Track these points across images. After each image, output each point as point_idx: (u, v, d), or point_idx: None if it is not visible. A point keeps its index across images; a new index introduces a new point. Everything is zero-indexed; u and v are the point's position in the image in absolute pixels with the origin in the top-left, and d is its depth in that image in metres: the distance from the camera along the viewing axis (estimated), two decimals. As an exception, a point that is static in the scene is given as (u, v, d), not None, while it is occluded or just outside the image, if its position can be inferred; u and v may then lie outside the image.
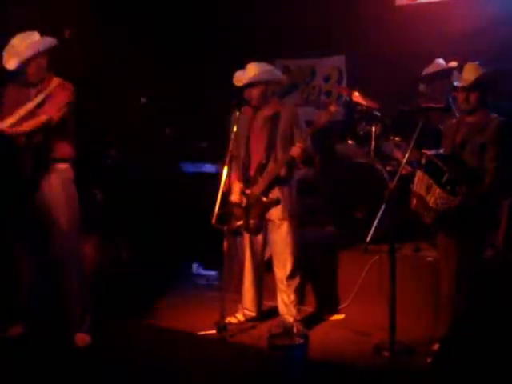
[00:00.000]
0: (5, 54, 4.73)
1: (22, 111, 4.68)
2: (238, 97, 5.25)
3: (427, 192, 4.46)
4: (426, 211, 4.47)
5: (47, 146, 4.77)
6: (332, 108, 4.97)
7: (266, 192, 5.20)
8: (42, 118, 4.66)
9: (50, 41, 4.84)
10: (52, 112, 4.69)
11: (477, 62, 4.57)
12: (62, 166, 4.86)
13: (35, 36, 4.80)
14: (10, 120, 4.63)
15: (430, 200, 4.40)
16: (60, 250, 4.84)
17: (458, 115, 4.97)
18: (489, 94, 4.56)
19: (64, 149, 4.86)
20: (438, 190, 4.35)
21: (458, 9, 6.89)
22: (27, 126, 4.63)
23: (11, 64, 4.69)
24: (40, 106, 4.72)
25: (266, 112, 5.24)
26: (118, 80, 7.07)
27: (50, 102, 4.73)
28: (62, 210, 4.81)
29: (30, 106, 4.71)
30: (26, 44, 4.70)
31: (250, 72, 5.15)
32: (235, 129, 5.10)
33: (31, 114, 4.68)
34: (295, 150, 4.99)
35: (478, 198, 4.29)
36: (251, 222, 5.23)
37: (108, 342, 4.99)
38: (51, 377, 4.39)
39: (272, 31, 8.09)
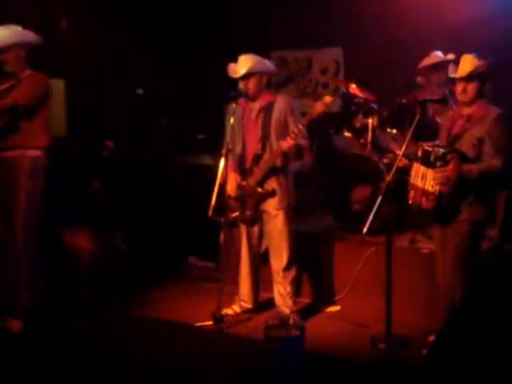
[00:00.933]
0: None
1: None
2: (234, 88, 5.25)
3: (422, 180, 4.46)
4: (424, 196, 4.45)
5: (16, 133, 4.81)
6: (327, 98, 4.96)
7: (261, 183, 5.20)
8: (5, 101, 4.74)
9: (32, 36, 4.92)
10: (18, 98, 4.76)
11: (473, 54, 4.55)
12: (33, 153, 4.90)
13: (18, 28, 4.90)
14: None
15: (426, 185, 4.40)
16: (12, 240, 4.89)
17: (455, 107, 4.97)
18: (487, 86, 4.54)
19: (35, 137, 4.90)
20: (428, 170, 4.35)
21: (456, 1, 6.88)
22: None
23: None
24: (7, 92, 4.79)
25: (261, 103, 5.25)
26: (114, 72, 7.06)
27: (17, 89, 4.81)
28: (22, 194, 4.86)
29: None
30: (8, 32, 4.81)
31: (243, 64, 5.14)
32: (231, 120, 5.10)
33: None
34: (285, 144, 5.00)
35: (469, 171, 4.27)
36: (247, 213, 5.24)
37: (104, 332, 4.99)
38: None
39: (269, 22, 8.08)
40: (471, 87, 4.49)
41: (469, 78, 4.48)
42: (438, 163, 4.30)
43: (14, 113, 4.77)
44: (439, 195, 4.35)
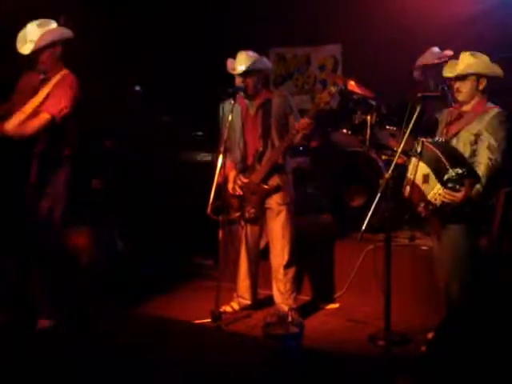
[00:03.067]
0: (20, 39, 4.71)
1: (27, 108, 4.64)
2: (231, 85, 5.25)
3: (424, 181, 4.41)
4: (423, 202, 4.40)
5: (51, 144, 4.75)
6: (332, 88, 4.98)
7: (265, 179, 5.20)
8: (44, 117, 4.63)
9: (66, 32, 4.84)
10: (54, 111, 4.65)
11: (470, 52, 4.52)
12: (58, 163, 4.85)
13: (52, 24, 4.80)
14: (14, 121, 4.60)
15: (429, 193, 4.32)
16: (38, 243, 4.86)
17: (453, 104, 4.96)
18: (485, 84, 4.51)
19: (63, 146, 4.85)
20: (438, 186, 4.26)
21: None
22: (30, 128, 4.62)
23: (25, 49, 4.67)
24: (44, 100, 4.69)
25: (259, 100, 5.27)
26: (113, 70, 7.05)
27: (52, 98, 4.69)
28: (45, 203, 4.82)
29: (34, 102, 4.67)
30: (42, 31, 4.70)
31: (242, 61, 5.14)
32: (230, 118, 5.09)
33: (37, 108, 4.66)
34: (302, 124, 4.97)
35: (477, 193, 4.25)
36: (251, 210, 5.24)
37: (104, 330, 5.00)
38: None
39: (267, 19, 8.07)
40: (465, 86, 4.47)
41: (461, 77, 4.47)
42: (450, 184, 4.24)
43: (51, 127, 4.69)
44: (438, 208, 4.31)
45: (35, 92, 4.74)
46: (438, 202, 4.28)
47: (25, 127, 4.60)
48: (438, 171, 4.29)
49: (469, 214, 4.34)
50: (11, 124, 4.59)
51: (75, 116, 4.86)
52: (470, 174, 4.25)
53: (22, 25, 4.85)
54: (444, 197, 4.22)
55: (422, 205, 4.41)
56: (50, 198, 4.84)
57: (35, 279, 4.93)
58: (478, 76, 4.44)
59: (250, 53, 5.21)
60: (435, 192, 4.28)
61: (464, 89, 4.48)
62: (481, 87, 4.46)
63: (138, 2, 7.67)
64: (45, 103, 4.67)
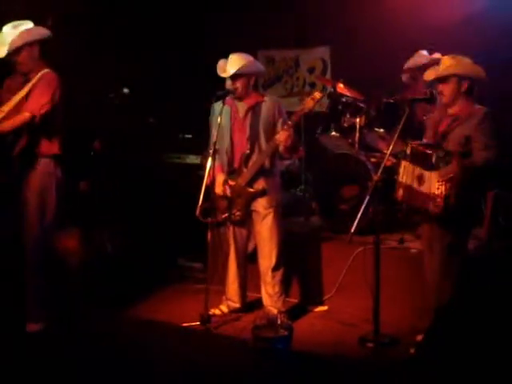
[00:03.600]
0: None
1: (5, 107, 4.65)
2: (220, 87, 5.24)
3: (420, 183, 4.41)
4: (431, 201, 4.34)
5: (33, 143, 4.74)
6: (317, 94, 4.98)
7: (251, 182, 5.19)
8: (23, 116, 4.64)
9: (42, 31, 4.83)
10: (35, 109, 4.66)
11: (451, 55, 4.55)
12: (44, 160, 4.83)
13: (28, 25, 4.78)
14: None
15: (431, 188, 4.31)
16: (27, 239, 4.84)
17: (441, 106, 4.97)
18: (471, 85, 4.52)
19: (48, 145, 4.83)
20: (431, 174, 4.30)
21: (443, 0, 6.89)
22: (8, 125, 4.63)
23: (1, 52, 4.67)
24: (25, 99, 4.68)
25: (248, 103, 5.24)
26: (101, 72, 7.03)
27: (33, 96, 4.70)
28: (34, 202, 4.80)
29: (13, 101, 4.68)
30: (17, 32, 4.69)
31: (233, 63, 5.13)
32: (219, 120, 5.08)
33: (17, 108, 4.66)
34: (282, 135, 4.99)
35: (471, 165, 4.26)
36: (237, 213, 5.22)
37: (92, 333, 4.98)
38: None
39: (257, 21, 8.06)
40: (447, 88, 4.50)
41: (442, 79, 4.49)
42: (441, 164, 4.25)
43: (33, 125, 4.69)
44: (446, 196, 4.26)
45: (16, 92, 4.73)
46: (442, 189, 4.24)
47: (3, 125, 4.61)
48: (426, 162, 4.33)
49: (459, 215, 4.35)
50: None
51: (60, 114, 4.87)
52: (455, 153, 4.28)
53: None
54: (442, 178, 4.22)
55: (431, 203, 4.34)
56: (40, 199, 4.82)
57: (25, 282, 4.90)
58: (459, 77, 4.47)
59: (242, 55, 5.20)
60: (434, 182, 4.28)
61: (446, 91, 4.51)
62: (463, 89, 4.48)
63: (126, 3, 7.64)
64: (27, 103, 4.67)
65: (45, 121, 4.72)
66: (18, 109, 4.66)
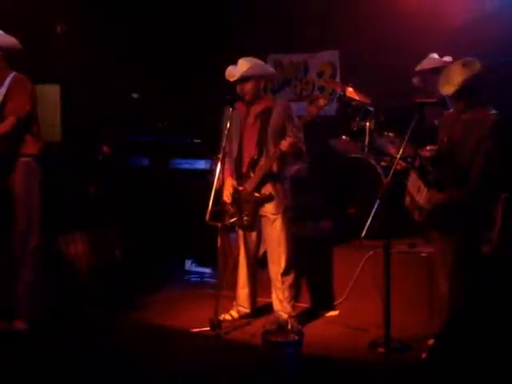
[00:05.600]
0: None
1: None
2: (230, 93, 5.22)
3: (418, 192, 4.47)
4: (416, 210, 4.47)
5: (14, 143, 4.85)
6: (321, 101, 4.96)
7: (258, 187, 5.17)
8: (10, 120, 4.79)
9: (11, 41, 4.92)
10: (18, 111, 4.81)
11: (462, 62, 4.51)
12: (25, 160, 4.91)
13: None
14: None
15: (420, 199, 4.41)
16: (14, 245, 4.92)
17: (452, 110, 4.94)
18: (482, 92, 4.49)
19: (28, 144, 4.92)
20: (425, 189, 4.36)
21: (453, 1, 6.85)
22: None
23: None
24: (2, 105, 4.77)
25: (258, 107, 5.22)
26: (110, 76, 7.04)
27: (13, 100, 4.82)
28: (20, 203, 4.90)
29: None
30: None
31: (241, 67, 5.12)
32: (228, 125, 5.07)
33: None
34: (284, 144, 4.97)
35: (465, 196, 4.25)
36: (245, 218, 5.21)
37: (102, 338, 4.98)
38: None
39: (265, 25, 8.06)
40: (461, 103, 4.48)
41: (456, 95, 4.46)
42: (434, 185, 4.28)
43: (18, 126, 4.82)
44: (430, 212, 4.35)
45: None
46: (428, 206, 4.30)
47: None
48: (425, 175, 4.37)
49: (468, 219, 4.33)
50: None
51: (36, 115, 4.99)
52: (454, 175, 4.25)
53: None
54: (430, 199, 4.23)
55: (417, 212, 4.46)
56: (23, 201, 4.89)
57: (15, 281, 4.96)
58: (472, 90, 4.44)
59: (250, 59, 5.19)
60: (424, 196, 4.34)
61: (461, 104, 4.49)
62: (478, 96, 4.45)
63: (136, 8, 7.65)
64: (7, 107, 4.79)
65: (25, 121, 4.86)
66: None
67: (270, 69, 5.44)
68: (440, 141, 4.62)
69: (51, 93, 6.40)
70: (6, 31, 4.93)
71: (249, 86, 5.14)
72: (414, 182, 4.55)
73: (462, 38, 6.39)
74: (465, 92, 4.43)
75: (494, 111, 4.46)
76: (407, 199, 4.63)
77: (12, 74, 4.88)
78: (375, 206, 4.39)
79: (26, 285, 4.95)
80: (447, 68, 4.61)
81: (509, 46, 6.26)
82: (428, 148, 4.53)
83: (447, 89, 4.50)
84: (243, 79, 5.12)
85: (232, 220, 5.25)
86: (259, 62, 5.23)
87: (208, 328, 5.00)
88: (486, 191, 4.37)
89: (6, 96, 4.80)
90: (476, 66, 4.46)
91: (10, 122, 4.79)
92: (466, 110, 4.49)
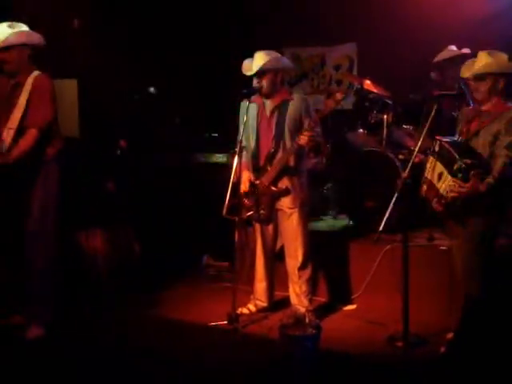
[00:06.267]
0: None
1: (13, 124, 4.67)
2: (247, 86, 5.21)
3: (439, 179, 4.40)
4: (436, 197, 4.40)
5: (35, 148, 4.75)
6: (338, 95, 4.93)
7: (275, 181, 5.16)
8: (31, 133, 4.68)
9: (38, 37, 4.83)
10: (39, 122, 4.71)
11: (488, 51, 4.46)
12: (47, 164, 4.85)
13: (23, 27, 4.80)
14: (7, 141, 4.66)
15: (441, 187, 4.33)
16: (32, 247, 4.85)
17: (471, 103, 4.90)
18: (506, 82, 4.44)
19: (49, 148, 4.85)
20: (449, 177, 4.27)
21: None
22: (24, 146, 4.66)
23: None
24: (25, 111, 4.69)
25: (275, 101, 5.20)
26: (127, 71, 7.05)
27: (35, 109, 4.71)
28: (37, 207, 4.82)
29: (17, 115, 4.68)
30: (11, 31, 4.69)
31: (258, 60, 5.10)
32: (245, 118, 5.06)
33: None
34: (302, 139, 4.95)
35: (487, 186, 4.20)
36: (261, 212, 5.20)
37: (120, 332, 5.00)
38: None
39: (282, 19, 8.04)
40: (483, 86, 4.42)
41: (479, 76, 4.41)
42: (459, 175, 4.20)
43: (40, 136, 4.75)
44: (450, 202, 4.29)
45: (9, 98, 4.74)
46: (449, 195, 4.25)
47: (19, 150, 4.65)
48: (449, 164, 4.29)
49: (485, 208, 4.29)
50: (7, 148, 4.65)
51: (56, 116, 4.89)
52: (480, 166, 4.20)
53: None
54: (453, 187, 4.19)
55: (435, 200, 4.40)
56: (40, 202, 4.83)
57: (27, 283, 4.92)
58: (496, 76, 4.38)
59: (267, 52, 5.14)
60: (446, 184, 4.27)
61: (482, 88, 4.41)
62: (499, 87, 4.39)
63: (153, 2, 7.65)
64: (29, 116, 4.69)
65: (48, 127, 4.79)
66: (23, 121, 4.70)
67: (287, 62, 5.40)
68: (459, 133, 4.58)
69: (69, 88, 6.42)
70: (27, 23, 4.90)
71: (266, 80, 5.11)
72: (432, 168, 4.50)
73: (480, 31, 6.34)
74: (487, 74, 4.37)
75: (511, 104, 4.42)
76: (423, 187, 4.57)
77: (34, 74, 4.77)
78: (393, 200, 4.37)
79: (37, 284, 4.89)
80: (471, 59, 4.55)
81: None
82: (447, 138, 4.49)
83: (473, 69, 4.44)
84: (260, 72, 5.10)
85: (249, 213, 5.24)
86: (277, 55, 5.20)
87: (226, 322, 5.01)
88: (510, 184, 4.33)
89: (28, 101, 4.70)
90: (501, 55, 4.43)
91: (31, 135, 4.67)
92: (485, 101, 4.45)
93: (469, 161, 4.19)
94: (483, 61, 4.41)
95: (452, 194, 4.23)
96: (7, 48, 4.68)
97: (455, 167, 4.21)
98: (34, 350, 4.70)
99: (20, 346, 4.75)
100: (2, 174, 4.67)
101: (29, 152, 4.69)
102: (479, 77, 4.40)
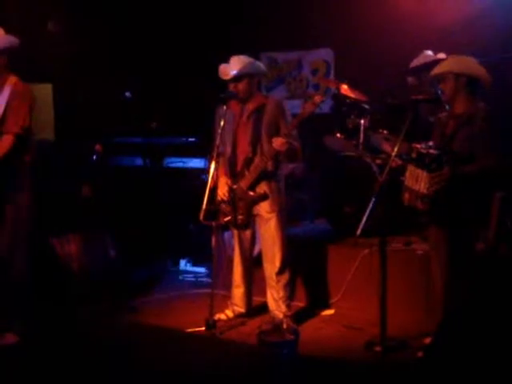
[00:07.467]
0: None
1: None
2: (223, 91, 5.19)
3: (416, 182, 4.43)
4: (419, 199, 4.42)
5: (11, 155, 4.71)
6: (317, 98, 4.92)
7: (252, 186, 5.15)
8: (8, 139, 4.65)
9: (12, 40, 4.79)
10: (17, 128, 4.67)
11: (453, 55, 4.56)
12: (17, 165, 4.78)
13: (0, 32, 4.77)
14: None
15: (421, 187, 4.37)
16: (3, 255, 4.79)
17: (447, 107, 4.93)
18: (472, 83, 4.49)
19: (23, 151, 4.78)
20: (425, 173, 4.33)
21: (445, 0, 6.85)
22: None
23: None
24: (2, 117, 4.66)
25: (251, 105, 5.20)
26: (102, 75, 7.01)
27: (13, 115, 4.68)
28: (8, 208, 4.77)
29: None
30: None
31: (234, 65, 5.10)
32: (222, 123, 5.04)
33: None
34: (277, 143, 4.94)
35: (468, 173, 4.25)
36: (239, 217, 5.18)
37: (94, 340, 4.94)
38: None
39: (258, 23, 8.04)
40: (446, 86, 4.53)
41: (441, 78, 4.52)
42: (433, 165, 4.25)
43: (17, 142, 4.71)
44: (434, 196, 4.30)
45: None
46: (430, 190, 4.29)
47: None
48: (423, 161, 4.36)
49: (465, 217, 4.32)
50: None
51: (30, 121, 4.83)
52: (450, 153, 4.30)
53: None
54: (431, 180, 4.23)
55: (419, 201, 4.41)
56: (12, 215, 4.78)
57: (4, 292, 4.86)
58: (456, 75, 4.46)
59: (242, 57, 5.16)
60: (425, 182, 4.32)
61: (445, 89, 4.54)
62: (462, 86, 4.46)
63: (128, 6, 7.62)
64: (6, 122, 4.67)
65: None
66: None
67: (261, 67, 5.41)
68: (434, 137, 4.61)
69: (43, 92, 6.37)
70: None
71: (242, 85, 5.11)
72: (410, 175, 4.52)
73: (455, 37, 6.38)
74: (450, 73, 4.48)
75: (483, 104, 4.47)
76: (405, 196, 4.59)
77: (11, 80, 4.74)
78: (370, 204, 4.38)
79: (14, 288, 4.83)
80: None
81: (504, 45, 6.25)
82: (422, 145, 4.51)
83: (438, 69, 4.59)
84: (236, 77, 5.09)
85: (226, 219, 5.22)
86: (251, 60, 5.19)
87: (203, 328, 4.97)
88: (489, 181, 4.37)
89: (5, 109, 4.66)
90: (464, 57, 4.55)
91: (8, 141, 4.65)
92: (452, 100, 4.50)
93: (439, 150, 4.28)
94: (445, 62, 4.61)
95: (432, 188, 4.25)
96: None
97: (427, 160, 4.30)
98: (7, 356, 4.64)
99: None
100: None
101: (4, 158, 4.64)
102: (441, 77, 4.53)
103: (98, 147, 6.70)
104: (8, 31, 4.83)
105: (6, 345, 4.76)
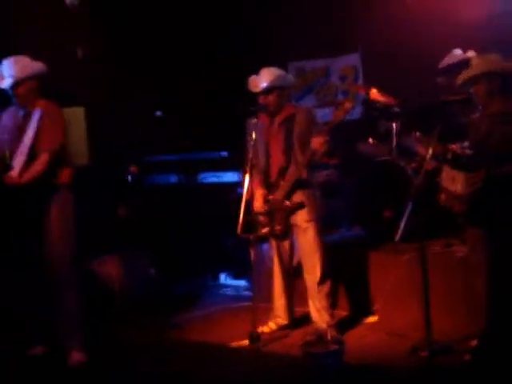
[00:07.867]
0: None
1: (23, 150, 4.71)
2: (254, 103, 5.21)
3: (453, 183, 4.38)
4: (455, 201, 4.38)
5: (48, 173, 4.79)
6: (347, 104, 4.92)
7: (288, 196, 5.14)
8: (43, 158, 4.72)
9: (41, 66, 4.93)
10: (50, 147, 4.75)
11: (478, 55, 4.49)
12: (61, 189, 4.87)
13: (26, 60, 4.89)
14: (18, 167, 4.69)
15: (457, 188, 4.33)
16: (54, 272, 4.84)
17: (480, 106, 4.88)
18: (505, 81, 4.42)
19: (60, 173, 4.87)
20: (461, 174, 4.29)
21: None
22: (35, 172, 4.71)
23: (4, 83, 4.79)
24: (36, 140, 4.74)
25: (282, 116, 5.21)
26: (133, 95, 7.07)
27: (46, 134, 4.77)
28: (56, 232, 4.82)
29: (27, 142, 4.73)
30: (19, 65, 4.80)
31: (264, 78, 5.12)
32: (254, 136, 5.06)
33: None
34: (316, 142, 4.92)
35: (504, 173, 4.19)
36: (277, 227, 5.18)
37: (140, 356, 4.97)
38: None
39: (285, 33, 8.05)
40: (480, 90, 4.43)
41: (473, 82, 4.40)
42: (470, 166, 4.20)
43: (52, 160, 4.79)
44: (471, 197, 4.26)
45: (20, 128, 4.81)
46: (467, 191, 4.25)
47: (32, 173, 4.70)
48: (459, 162, 4.33)
49: (502, 218, 4.26)
50: (18, 172, 4.69)
51: (67, 144, 4.95)
52: (486, 153, 4.26)
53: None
54: (469, 181, 4.20)
55: (456, 203, 4.37)
56: (59, 228, 4.84)
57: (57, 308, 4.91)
58: (489, 75, 4.38)
59: (272, 69, 5.18)
60: (461, 183, 4.28)
61: (480, 92, 4.45)
62: (496, 86, 4.38)
63: (155, 27, 7.68)
64: (40, 141, 4.75)
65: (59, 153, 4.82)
66: (33, 147, 4.75)
67: (290, 78, 5.42)
68: (470, 138, 4.56)
69: (76, 116, 6.44)
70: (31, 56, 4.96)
71: (272, 97, 5.14)
72: (447, 176, 4.48)
73: (482, 36, 6.31)
74: (483, 76, 4.39)
75: None
76: (442, 196, 4.54)
77: (41, 104, 4.84)
78: (408, 209, 4.34)
79: (69, 311, 4.88)
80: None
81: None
82: (458, 146, 4.47)
83: (468, 72, 4.48)
84: (266, 90, 5.10)
85: (264, 230, 5.22)
86: (281, 72, 5.23)
87: (246, 341, 4.97)
88: None
89: (38, 129, 4.75)
90: (491, 55, 4.45)
91: (43, 159, 4.72)
92: (488, 104, 4.43)
93: (474, 151, 4.23)
94: (474, 63, 4.46)
95: (469, 189, 4.21)
96: (17, 83, 4.78)
97: (463, 161, 4.28)
98: (79, 376, 4.69)
99: (64, 373, 4.74)
100: (16, 198, 4.74)
101: (41, 176, 4.73)
102: (473, 81, 4.40)
103: (133, 169, 6.76)
104: (39, 58, 4.95)
105: (76, 364, 4.81)
